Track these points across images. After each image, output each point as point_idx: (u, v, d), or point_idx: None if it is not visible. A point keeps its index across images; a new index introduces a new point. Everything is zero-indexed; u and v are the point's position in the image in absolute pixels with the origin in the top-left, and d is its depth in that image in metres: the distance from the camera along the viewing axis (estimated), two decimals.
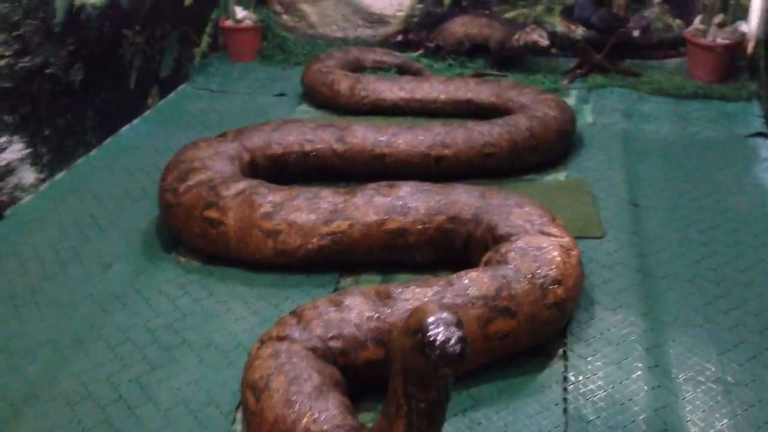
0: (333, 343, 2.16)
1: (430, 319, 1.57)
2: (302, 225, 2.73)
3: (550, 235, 2.53)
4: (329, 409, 1.93)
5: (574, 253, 2.48)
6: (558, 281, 2.35)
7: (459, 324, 1.58)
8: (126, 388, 2.30)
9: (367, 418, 2.14)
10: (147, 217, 3.23)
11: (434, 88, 4.09)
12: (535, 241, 2.48)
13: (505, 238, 2.55)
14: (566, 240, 2.52)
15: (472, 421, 2.16)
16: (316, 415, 1.90)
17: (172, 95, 4.63)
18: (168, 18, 4.57)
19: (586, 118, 4.08)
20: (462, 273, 2.36)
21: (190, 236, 2.90)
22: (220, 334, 2.53)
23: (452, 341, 1.53)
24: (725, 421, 2.15)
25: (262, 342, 2.19)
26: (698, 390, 2.25)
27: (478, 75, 4.54)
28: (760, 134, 3.89)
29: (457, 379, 1.66)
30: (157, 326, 2.57)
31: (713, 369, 2.33)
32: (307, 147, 3.36)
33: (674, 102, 4.29)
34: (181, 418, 2.19)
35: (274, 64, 5.01)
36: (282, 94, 4.58)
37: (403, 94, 4.10)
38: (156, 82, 4.49)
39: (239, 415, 2.18)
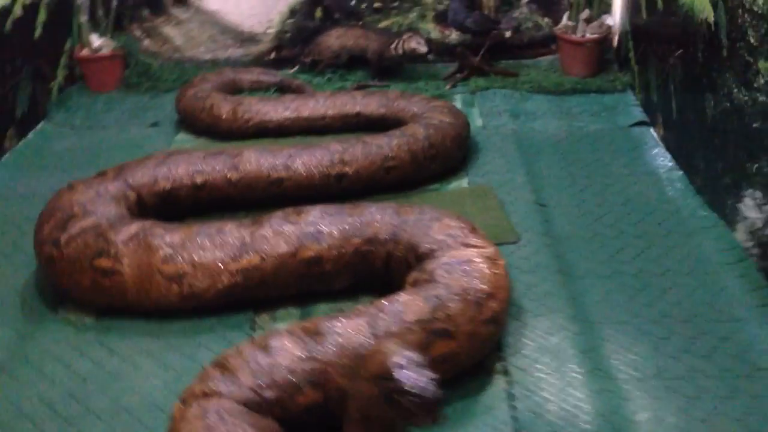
0: (266, 393, 1.96)
1: (396, 362, 1.41)
2: (208, 264, 2.51)
3: (473, 246, 2.43)
4: None
5: (500, 262, 2.39)
6: (490, 294, 2.25)
7: (425, 363, 1.43)
8: None
9: None
10: (23, 273, 2.88)
11: (321, 105, 3.93)
12: (460, 255, 2.38)
13: (428, 255, 2.43)
14: (490, 250, 2.43)
15: None
16: None
17: (30, 136, 4.22)
18: (18, 53, 4.18)
19: (476, 121, 4.05)
20: (392, 297, 2.22)
21: (80, 290, 2.61)
22: (130, 396, 2.26)
23: (428, 385, 1.38)
24: (672, 418, 2.11)
25: (184, 401, 1.95)
26: (640, 388, 2.22)
27: (361, 87, 4.43)
28: (641, 123, 4.00)
29: None
30: (54, 396, 2.27)
31: (650, 365, 2.31)
32: (199, 179, 3.11)
33: (555, 98, 4.35)
34: None
35: (141, 93, 4.66)
36: (155, 124, 4.27)
37: (288, 114, 3.91)
38: (11, 123, 4.09)
39: None
